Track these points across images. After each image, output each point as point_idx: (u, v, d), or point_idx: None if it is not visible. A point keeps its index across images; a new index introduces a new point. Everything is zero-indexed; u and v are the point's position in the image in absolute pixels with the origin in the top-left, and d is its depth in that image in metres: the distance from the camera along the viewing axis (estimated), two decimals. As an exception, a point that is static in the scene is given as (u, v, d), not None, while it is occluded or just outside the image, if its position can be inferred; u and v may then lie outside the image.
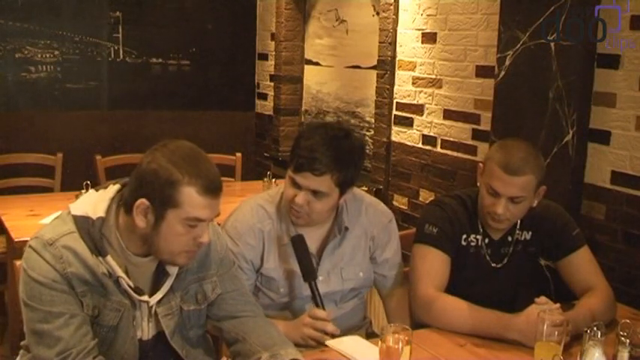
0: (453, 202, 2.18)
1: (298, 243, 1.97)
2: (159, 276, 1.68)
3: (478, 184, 2.11)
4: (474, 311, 1.95)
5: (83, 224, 1.58)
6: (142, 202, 1.54)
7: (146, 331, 1.70)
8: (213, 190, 1.56)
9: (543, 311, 1.80)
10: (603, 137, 2.85)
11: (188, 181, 1.53)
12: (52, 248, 1.55)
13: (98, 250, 1.57)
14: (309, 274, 1.97)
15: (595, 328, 1.67)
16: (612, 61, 2.80)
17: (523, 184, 1.97)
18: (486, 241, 2.17)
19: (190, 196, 1.53)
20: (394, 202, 4.09)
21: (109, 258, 1.58)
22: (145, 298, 1.65)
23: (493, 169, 1.99)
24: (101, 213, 1.59)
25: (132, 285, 1.62)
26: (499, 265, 2.18)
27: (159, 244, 1.58)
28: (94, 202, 1.62)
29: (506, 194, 1.98)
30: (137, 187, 1.56)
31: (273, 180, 3.68)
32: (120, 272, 1.59)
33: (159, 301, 1.69)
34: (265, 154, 5.49)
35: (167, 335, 1.71)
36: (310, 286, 1.94)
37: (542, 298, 1.90)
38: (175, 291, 1.71)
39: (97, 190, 1.67)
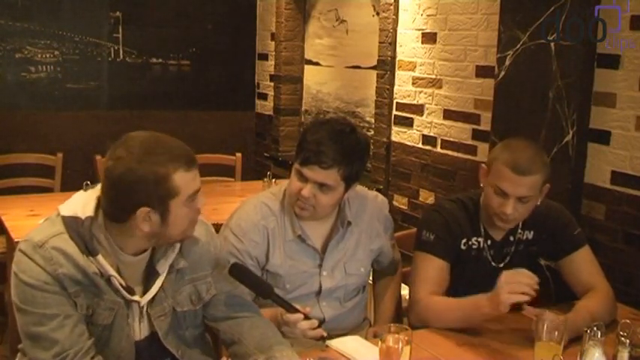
0: (453, 207, 2.17)
1: (237, 271, 1.82)
2: (149, 275, 1.67)
3: (481, 185, 2.11)
4: (455, 303, 1.98)
5: (72, 224, 1.57)
6: (142, 210, 1.53)
7: (138, 331, 1.70)
8: (192, 160, 1.58)
9: (542, 313, 1.79)
10: (603, 137, 2.85)
11: (173, 167, 1.53)
12: (41, 250, 1.54)
13: (89, 250, 1.56)
14: (265, 290, 1.84)
15: (595, 328, 1.67)
16: (612, 61, 2.80)
17: (531, 183, 1.98)
18: (489, 242, 2.17)
19: (182, 179, 1.54)
20: (394, 202, 4.09)
21: (99, 257, 1.57)
22: (136, 298, 1.65)
23: (501, 170, 1.99)
24: (90, 212, 1.59)
25: (124, 284, 1.61)
26: (501, 265, 2.18)
27: (171, 233, 1.60)
28: (82, 202, 1.61)
29: (515, 194, 1.98)
30: (127, 200, 1.53)
31: (273, 180, 3.68)
32: (112, 271, 1.58)
33: (151, 302, 1.68)
34: (265, 154, 5.49)
35: (160, 336, 1.70)
36: (274, 301, 1.83)
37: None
38: (167, 292, 1.70)
39: (85, 190, 1.66)
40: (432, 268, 2.09)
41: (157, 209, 1.54)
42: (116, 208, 1.56)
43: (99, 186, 1.64)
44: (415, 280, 2.11)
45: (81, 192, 1.66)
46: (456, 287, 2.09)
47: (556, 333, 1.74)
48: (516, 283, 1.81)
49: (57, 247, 1.54)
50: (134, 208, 1.53)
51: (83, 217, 1.58)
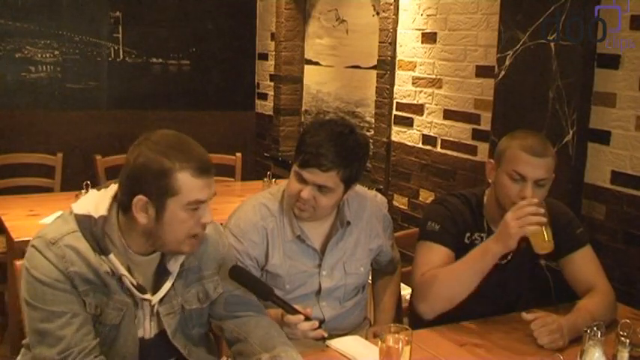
0: (457, 201, 2.19)
1: (237, 273, 1.80)
2: (160, 275, 1.68)
3: (489, 180, 2.12)
4: (460, 263, 2.02)
5: (85, 223, 1.58)
6: (140, 198, 1.54)
7: (148, 330, 1.71)
8: (206, 169, 1.57)
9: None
10: (603, 137, 2.85)
11: (180, 166, 1.53)
12: (54, 247, 1.55)
13: (101, 249, 1.57)
14: (266, 291, 1.81)
15: (595, 328, 1.67)
16: (612, 61, 2.80)
17: (548, 165, 2.02)
18: None
19: (186, 181, 1.54)
20: (394, 202, 4.09)
21: (111, 256, 1.58)
22: (148, 296, 1.66)
23: (517, 155, 2.01)
24: (103, 212, 1.60)
25: (135, 283, 1.62)
26: (504, 262, 2.18)
27: (164, 235, 1.59)
28: (95, 201, 1.62)
29: (534, 177, 2.00)
30: (130, 184, 1.56)
31: (273, 180, 3.68)
32: (123, 270, 1.59)
33: (161, 300, 1.69)
34: (265, 154, 5.49)
35: (169, 334, 1.71)
36: (274, 302, 1.81)
37: None
38: (177, 290, 1.71)
39: (98, 190, 1.68)
40: (436, 255, 2.10)
41: (153, 202, 1.55)
42: (123, 191, 1.58)
43: (113, 186, 1.65)
44: (416, 266, 2.11)
45: (94, 191, 1.68)
46: None
47: (542, 211, 1.87)
48: (525, 216, 1.86)
49: (70, 245, 1.56)
50: (134, 194, 1.54)
51: (96, 216, 1.59)
